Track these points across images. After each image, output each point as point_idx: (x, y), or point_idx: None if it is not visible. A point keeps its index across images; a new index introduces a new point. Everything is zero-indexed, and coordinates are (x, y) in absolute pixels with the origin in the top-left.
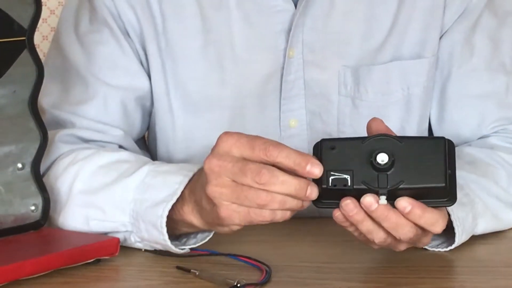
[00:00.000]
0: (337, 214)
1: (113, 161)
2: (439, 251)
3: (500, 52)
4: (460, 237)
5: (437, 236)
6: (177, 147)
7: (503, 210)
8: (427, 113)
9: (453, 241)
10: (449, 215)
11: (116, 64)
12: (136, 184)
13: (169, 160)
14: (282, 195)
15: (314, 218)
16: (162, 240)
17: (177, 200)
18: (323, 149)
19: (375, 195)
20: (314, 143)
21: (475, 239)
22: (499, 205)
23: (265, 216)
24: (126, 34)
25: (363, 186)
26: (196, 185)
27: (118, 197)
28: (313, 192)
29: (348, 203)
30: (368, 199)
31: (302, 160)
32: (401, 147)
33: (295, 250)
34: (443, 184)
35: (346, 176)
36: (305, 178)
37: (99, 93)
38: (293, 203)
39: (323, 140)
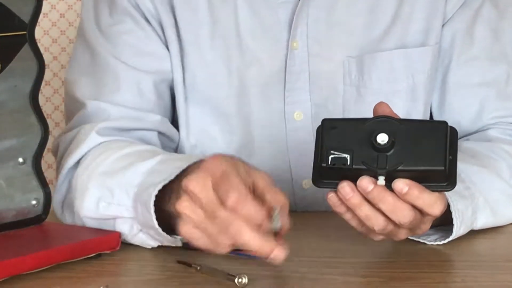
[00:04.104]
0: (330, 195)
1: (139, 150)
2: (437, 244)
3: (501, 42)
4: (458, 230)
5: (436, 230)
6: (191, 132)
7: (504, 205)
8: (431, 101)
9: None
10: (448, 206)
11: (143, 50)
12: (147, 169)
13: (188, 144)
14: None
15: (316, 212)
16: (150, 221)
17: (172, 195)
18: (325, 128)
19: (371, 177)
20: None
21: (475, 234)
22: (501, 199)
23: (225, 250)
24: (147, 21)
25: (362, 166)
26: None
27: (127, 180)
28: (278, 256)
29: (344, 186)
30: (364, 181)
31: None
32: (402, 129)
33: (296, 245)
34: (442, 167)
35: (345, 155)
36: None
37: (132, 79)
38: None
39: (325, 120)
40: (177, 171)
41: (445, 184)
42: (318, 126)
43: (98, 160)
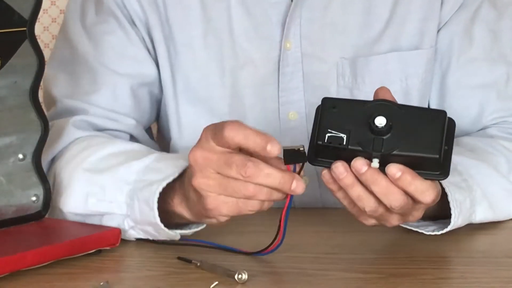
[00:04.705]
0: (323, 172)
1: (125, 150)
2: (435, 234)
3: (500, 42)
4: (456, 220)
5: (434, 222)
6: (184, 133)
7: (503, 199)
8: (425, 105)
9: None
10: (446, 195)
11: (123, 53)
12: (140, 167)
13: (181, 145)
14: (267, 188)
15: (315, 209)
16: (152, 217)
17: (169, 191)
18: (324, 107)
19: (366, 159)
20: None
21: (475, 229)
22: (499, 193)
23: (253, 206)
24: (132, 23)
25: (357, 147)
26: (185, 178)
27: (120, 178)
28: (298, 187)
29: (338, 166)
30: (358, 163)
31: (262, 139)
32: (401, 114)
33: (296, 241)
34: (437, 156)
35: (342, 135)
36: (289, 171)
37: (109, 82)
38: (279, 195)
39: (325, 99)
40: (180, 170)
41: (438, 173)
42: (318, 105)
43: (82, 156)
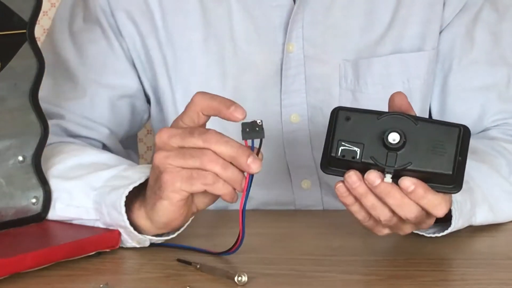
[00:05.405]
0: (338, 185)
1: (96, 161)
2: (435, 236)
3: (501, 45)
4: (457, 222)
5: (435, 225)
6: None
7: (503, 201)
8: (427, 106)
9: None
10: None
11: (105, 64)
12: (110, 176)
13: None
14: (224, 160)
15: (316, 211)
16: (121, 221)
17: (133, 199)
18: (339, 118)
19: (379, 172)
20: (316, 137)
21: (475, 231)
22: (500, 195)
23: (207, 179)
24: (118, 33)
25: (370, 161)
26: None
27: (88, 184)
28: (255, 163)
29: (351, 175)
30: (372, 175)
31: (228, 101)
32: (415, 128)
33: (296, 243)
34: (450, 172)
35: (356, 148)
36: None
37: (88, 91)
38: (235, 174)
39: (340, 109)
40: (147, 176)
41: (451, 186)
42: (333, 108)
43: (51, 162)
